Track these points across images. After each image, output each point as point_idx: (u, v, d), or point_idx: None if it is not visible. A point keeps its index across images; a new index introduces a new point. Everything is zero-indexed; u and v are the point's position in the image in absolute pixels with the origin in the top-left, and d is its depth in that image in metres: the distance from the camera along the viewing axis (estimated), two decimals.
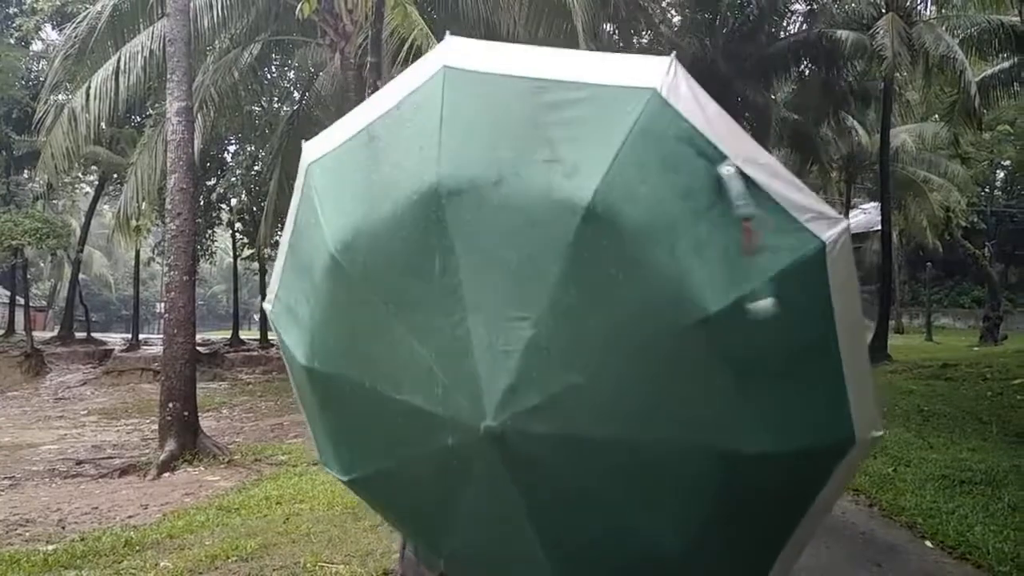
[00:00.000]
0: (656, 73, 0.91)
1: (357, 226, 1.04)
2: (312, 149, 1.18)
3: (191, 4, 9.65)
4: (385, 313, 1.04)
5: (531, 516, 0.96)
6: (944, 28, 16.00)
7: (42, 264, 39.62)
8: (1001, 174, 33.28)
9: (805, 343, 0.89)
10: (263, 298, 18.67)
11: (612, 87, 0.93)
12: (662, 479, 0.91)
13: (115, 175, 22.38)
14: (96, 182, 25.02)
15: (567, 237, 0.89)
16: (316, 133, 1.43)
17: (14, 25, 20.03)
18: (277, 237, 17.97)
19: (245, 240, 25.12)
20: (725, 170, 0.86)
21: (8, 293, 27.12)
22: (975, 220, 27.96)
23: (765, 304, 0.86)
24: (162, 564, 4.47)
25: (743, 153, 0.90)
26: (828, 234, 0.89)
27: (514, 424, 0.91)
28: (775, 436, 0.87)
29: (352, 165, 1.11)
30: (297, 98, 19.83)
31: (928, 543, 4.76)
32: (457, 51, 1.02)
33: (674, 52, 0.94)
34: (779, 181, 0.90)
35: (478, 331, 0.93)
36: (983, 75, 17.10)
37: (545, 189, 0.90)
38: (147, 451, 9.11)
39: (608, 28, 16.95)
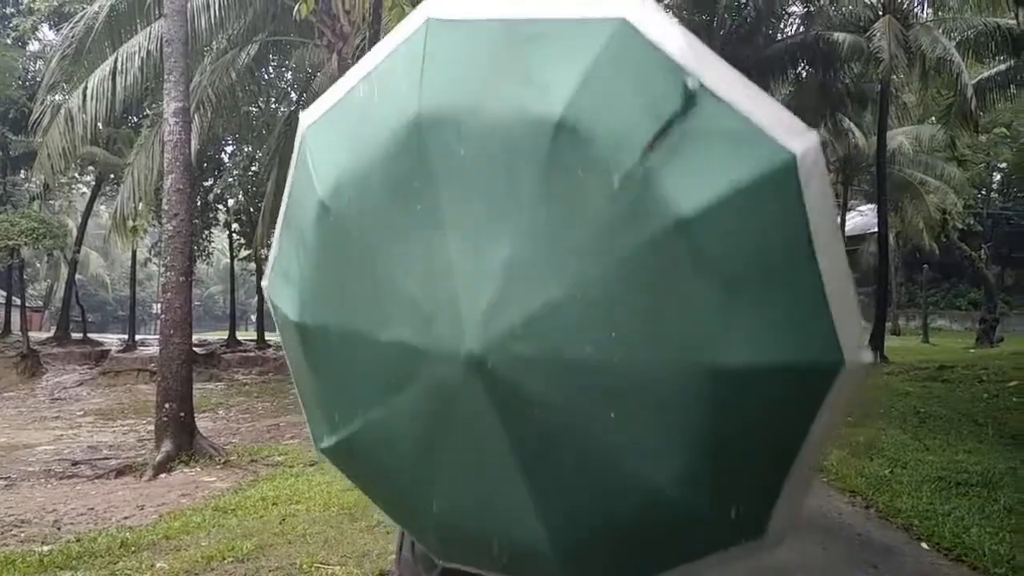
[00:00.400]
0: (627, 4, 0.95)
1: (345, 170, 1.07)
2: (307, 115, 1.20)
3: (188, 5, 9.64)
4: (371, 250, 1.05)
5: (516, 454, 0.94)
6: (941, 31, 16.04)
7: (38, 264, 39.57)
8: (997, 176, 33.38)
9: (782, 256, 0.89)
10: (260, 299, 18.75)
11: (584, 19, 0.97)
12: (650, 402, 0.89)
13: (112, 175, 22.35)
14: (93, 182, 24.97)
15: (540, 153, 0.92)
16: None
17: (11, 25, 20.03)
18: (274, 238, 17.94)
19: (242, 241, 25.11)
20: (689, 82, 0.90)
21: (4, 293, 27.06)
22: (971, 222, 28.02)
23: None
24: (158, 565, 4.46)
25: (713, 72, 0.92)
26: (798, 146, 0.90)
27: (495, 347, 0.91)
28: (762, 349, 0.86)
29: (343, 121, 1.13)
30: (294, 99, 19.81)
31: (924, 545, 4.77)
32: (439, 2, 1.06)
33: None
34: (749, 99, 0.92)
35: (459, 256, 0.95)
36: (980, 78, 17.16)
37: (519, 111, 0.93)
38: (143, 452, 9.10)
39: None
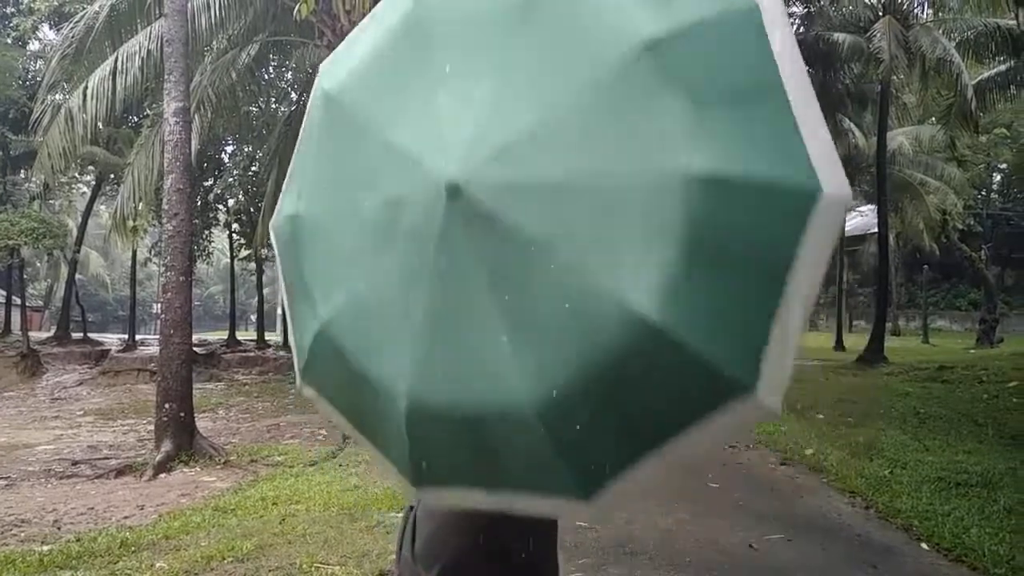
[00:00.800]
0: None
1: (349, 69, 1.15)
2: (324, 63, 1.29)
3: (188, 4, 9.64)
4: (369, 120, 1.10)
5: (494, 294, 0.93)
6: (941, 31, 16.05)
7: (38, 264, 39.59)
8: (997, 177, 33.39)
9: (749, 81, 0.92)
10: (260, 299, 18.63)
11: None
12: (626, 218, 0.89)
13: (112, 175, 22.36)
14: (93, 182, 24.98)
15: (518, 6, 1.01)
16: None
17: (11, 25, 20.04)
18: None
19: (242, 241, 25.12)
20: None
21: (4, 293, 27.07)
22: (971, 223, 28.02)
23: None
24: (158, 565, 4.46)
25: None
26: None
27: (473, 174, 0.94)
28: (735, 159, 0.88)
29: (350, 47, 1.22)
30: (294, 99, 19.81)
31: (924, 545, 4.77)
32: None
33: None
34: None
35: (447, 103, 1.00)
36: (980, 78, 17.15)
37: None
38: (143, 452, 9.10)
39: None
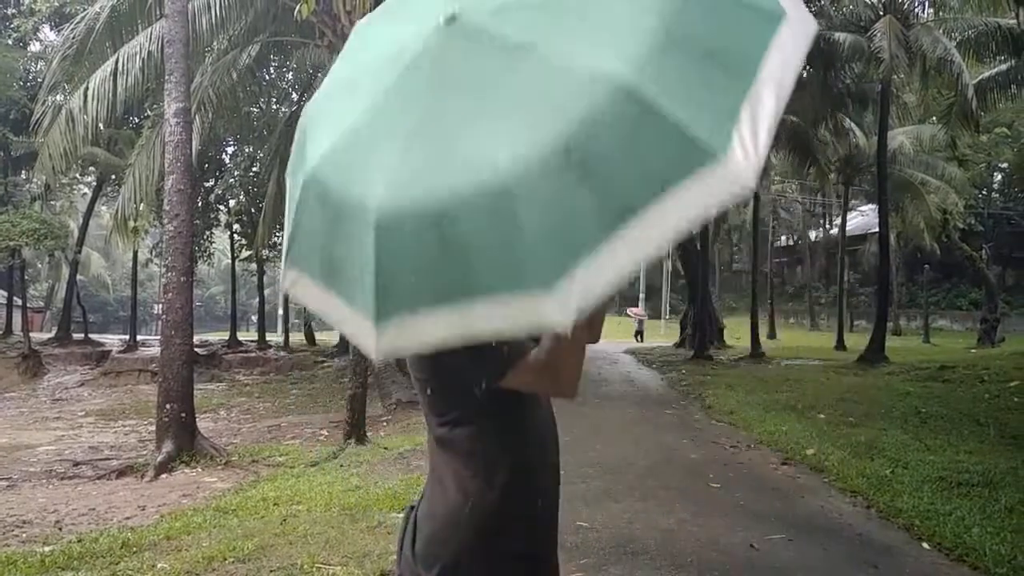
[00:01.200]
0: None
1: (369, 19, 1.32)
2: None
3: (189, 5, 9.65)
4: (376, 27, 1.26)
5: (476, 95, 1.01)
6: (941, 31, 16.04)
7: (40, 265, 39.61)
8: (998, 177, 33.39)
9: None
10: (261, 300, 18.70)
11: None
12: (605, 13, 0.99)
13: (113, 176, 22.37)
14: (94, 183, 25.02)
15: None
16: None
17: (12, 26, 20.07)
18: (275, 238, 17.97)
19: (243, 241, 25.13)
20: None
21: (5, 294, 27.11)
22: (972, 222, 28.07)
23: None
24: (159, 565, 4.46)
25: None
26: None
27: (470, 6, 1.05)
28: None
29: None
30: (295, 99, 19.85)
31: (925, 545, 4.77)
32: None
33: None
34: None
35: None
36: (980, 78, 17.14)
37: None
38: (144, 452, 9.11)
39: None
